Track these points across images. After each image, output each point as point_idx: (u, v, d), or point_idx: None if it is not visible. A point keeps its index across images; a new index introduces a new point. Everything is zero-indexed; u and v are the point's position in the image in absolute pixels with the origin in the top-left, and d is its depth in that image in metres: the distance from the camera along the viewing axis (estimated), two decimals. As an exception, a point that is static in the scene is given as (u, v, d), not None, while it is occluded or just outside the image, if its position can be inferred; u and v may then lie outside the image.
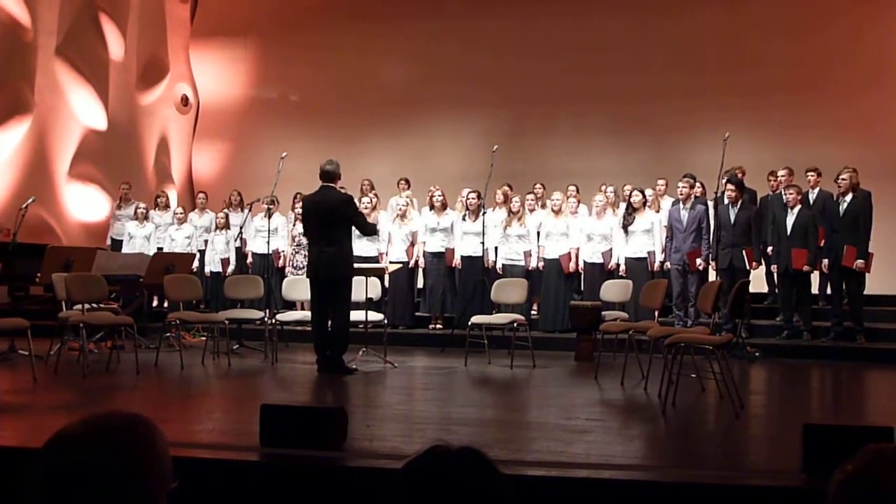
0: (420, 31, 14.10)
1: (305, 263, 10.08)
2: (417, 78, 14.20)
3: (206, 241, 11.49)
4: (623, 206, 10.44)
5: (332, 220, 7.71)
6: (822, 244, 9.29)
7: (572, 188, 11.02)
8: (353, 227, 7.98)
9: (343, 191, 8.43)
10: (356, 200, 8.69)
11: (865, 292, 9.89)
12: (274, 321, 8.92)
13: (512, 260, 10.29)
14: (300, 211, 10.67)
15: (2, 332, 7.78)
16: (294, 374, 8.03)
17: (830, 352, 9.04)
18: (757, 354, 8.84)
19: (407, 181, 11.70)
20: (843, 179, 9.19)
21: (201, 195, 12.47)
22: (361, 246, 9.91)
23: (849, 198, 9.20)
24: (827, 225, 9.25)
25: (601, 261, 10.16)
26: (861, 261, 9.06)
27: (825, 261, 9.23)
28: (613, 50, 13.22)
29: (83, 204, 12.84)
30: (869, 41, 12.38)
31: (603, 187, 10.87)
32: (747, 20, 12.82)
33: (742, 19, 12.85)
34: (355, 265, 8.11)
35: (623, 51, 13.18)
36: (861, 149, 11.35)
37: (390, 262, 10.08)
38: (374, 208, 10.68)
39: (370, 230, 8.58)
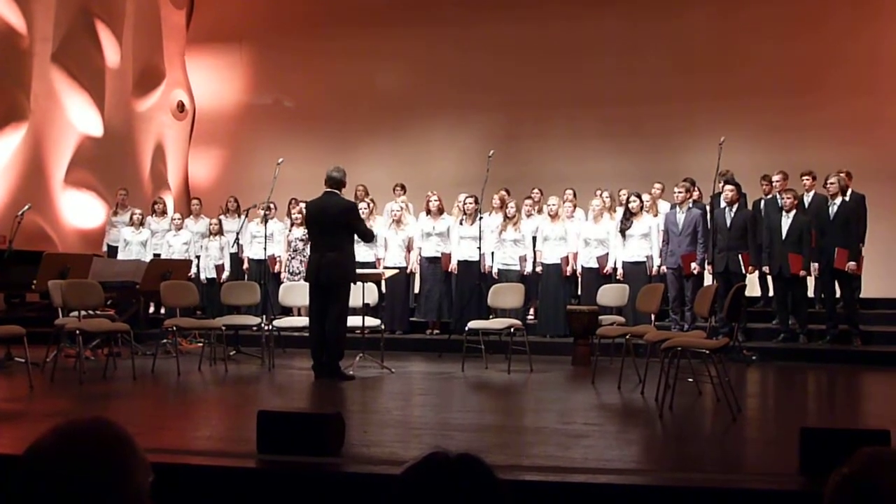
0: (414, 36, 14.10)
1: (302, 269, 10.10)
2: (412, 83, 14.20)
3: (202, 247, 11.48)
4: (620, 210, 10.44)
5: (335, 225, 7.74)
6: (813, 247, 9.30)
7: (569, 192, 10.99)
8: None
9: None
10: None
11: (862, 295, 9.92)
12: (271, 327, 8.91)
13: (508, 265, 10.28)
14: (297, 216, 10.71)
15: (-2, 340, 7.77)
16: (291, 380, 8.03)
17: (827, 355, 9.05)
18: (753, 358, 8.84)
19: (402, 186, 11.72)
20: (831, 183, 9.25)
21: (195, 201, 12.50)
22: (358, 251, 9.87)
23: (838, 201, 9.23)
24: (818, 228, 9.27)
25: (597, 265, 10.17)
26: (853, 263, 9.08)
27: (815, 265, 9.24)
28: (607, 54, 13.26)
29: (79, 211, 12.83)
30: (862, 43, 12.39)
31: (598, 192, 10.86)
32: (740, 23, 12.84)
33: (735, 22, 12.88)
34: (352, 270, 8.11)
35: (617, 54, 13.21)
36: (856, 151, 11.38)
37: (387, 268, 10.07)
38: (370, 213, 10.67)
39: (370, 237, 8.51)
